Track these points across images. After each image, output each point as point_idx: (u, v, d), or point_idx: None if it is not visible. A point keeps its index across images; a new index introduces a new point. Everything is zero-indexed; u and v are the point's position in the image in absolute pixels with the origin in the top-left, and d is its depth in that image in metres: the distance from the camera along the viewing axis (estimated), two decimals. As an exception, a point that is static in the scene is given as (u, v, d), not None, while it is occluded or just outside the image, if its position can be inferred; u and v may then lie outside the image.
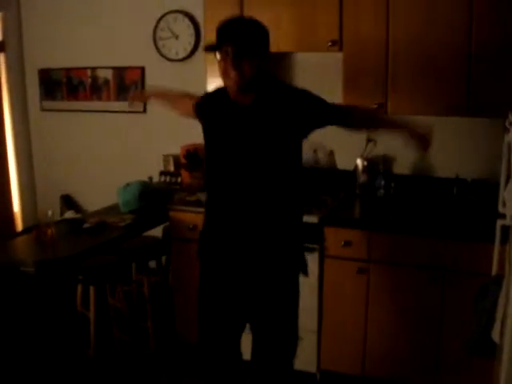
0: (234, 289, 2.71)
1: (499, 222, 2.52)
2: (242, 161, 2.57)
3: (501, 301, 2.27)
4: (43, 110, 5.16)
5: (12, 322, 4.28)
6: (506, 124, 2.48)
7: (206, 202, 2.82)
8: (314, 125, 2.67)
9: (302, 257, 2.78)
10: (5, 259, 3.31)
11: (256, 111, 2.54)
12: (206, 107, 2.78)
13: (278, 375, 2.81)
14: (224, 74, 2.50)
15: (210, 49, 2.51)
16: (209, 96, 2.86)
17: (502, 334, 2.21)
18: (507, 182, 2.47)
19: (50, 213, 3.43)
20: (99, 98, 4.85)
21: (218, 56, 2.48)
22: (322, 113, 2.65)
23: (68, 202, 5.14)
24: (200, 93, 3.01)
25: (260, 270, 2.64)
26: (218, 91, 2.72)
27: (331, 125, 2.74)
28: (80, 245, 3.34)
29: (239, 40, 2.44)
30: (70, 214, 4.34)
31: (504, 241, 2.54)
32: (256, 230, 2.60)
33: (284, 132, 2.54)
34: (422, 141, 2.82)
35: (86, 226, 3.56)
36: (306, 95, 2.64)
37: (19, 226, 5.44)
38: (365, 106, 2.89)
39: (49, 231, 3.30)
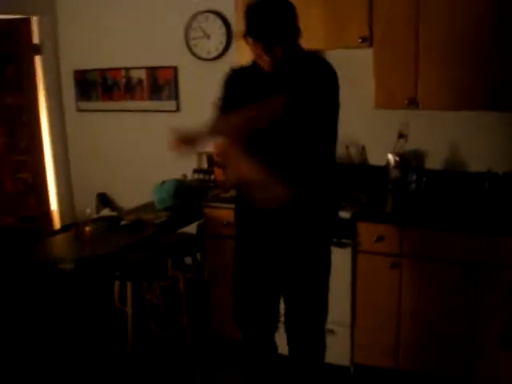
0: (268, 260, 2.78)
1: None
2: (277, 143, 2.60)
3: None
4: (79, 110, 5.27)
5: (51, 319, 4.41)
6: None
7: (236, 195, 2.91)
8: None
9: (332, 230, 2.87)
10: (45, 257, 3.41)
11: (278, 78, 2.57)
12: (238, 81, 2.79)
13: (310, 341, 2.89)
14: (257, 57, 2.56)
15: (244, 36, 2.55)
16: (239, 71, 2.83)
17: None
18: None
19: (88, 211, 3.53)
20: (133, 98, 4.93)
21: (250, 40, 2.54)
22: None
23: (104, 199, 5.24)
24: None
25: (291, 243, 2.71)
26: (248, 67, 2.73)
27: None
28: (117, 242, 3.42)
29: (268, 31, 2.47)
30: (106, 212, 4.47)
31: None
32: (288, 217, 2.66)
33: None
34: None
35: (122, 223, 3.65)
36: (312, 69, 2.62)
37: (57, 223, 5.57)
38: None
39: (87, 229, 3.38)
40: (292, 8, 2.56)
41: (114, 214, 4.24)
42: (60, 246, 3.56)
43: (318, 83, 2.56)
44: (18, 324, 4.42)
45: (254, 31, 2.51)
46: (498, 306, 2.88)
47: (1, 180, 5.35)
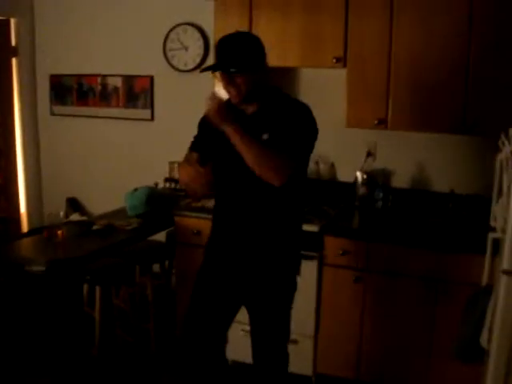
0: (230, 282, 2.85)
1: (490, 235, 2.65)
2: (244, 168, 2.63)
3: (490, 309, 2.41)
4: (53, 114, 5.30)
5: (19, 321, 4.42)
6: (499, 144, 2.62)
7: (213, 207, 2.97)
8: None
9: (298, 260, 2.91)
10: (16, 258, 3.45)
11: (259, 120, 2.67)
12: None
13: (273, 354, 2.96)
14: (225, 89, 2.65)
15: (207, 69, 2.66)
16: None
17: (489, 340, 2.35)
18: (499, 198, 2.62)
19: (61, 214, 3.59)
20: (108, 105, 4.98)
21: (218, 74, 2.68)
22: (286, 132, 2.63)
23: (74, 204, 5.27)
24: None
25: (256, 267, 2.79)
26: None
27: None
28: (89, 246, 3.46)
29: (227, 59, 2.58)
30: (75, 217, 4.49)
31: (495, 253, 2.68)
32: (254, 234, 2.75)
33: None
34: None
35: (94, 227, 3.69)
36: (299, 112, 2.70)
37: (25, 227, 5.57)
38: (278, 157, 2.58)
39: (60, 232, 3.42)
40: (256, 41, 2.68)
41: (85, 218, 4.28)
42: (32, 247, 3.59)
43: (300, 127, 2.66)
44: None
45: (217, 63, 2.64)
46: (456, 320, 3.00)
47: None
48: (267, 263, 2.78)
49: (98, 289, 3.80)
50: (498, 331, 2.25)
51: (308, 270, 3.51)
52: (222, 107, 2.62)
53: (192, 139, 2.95)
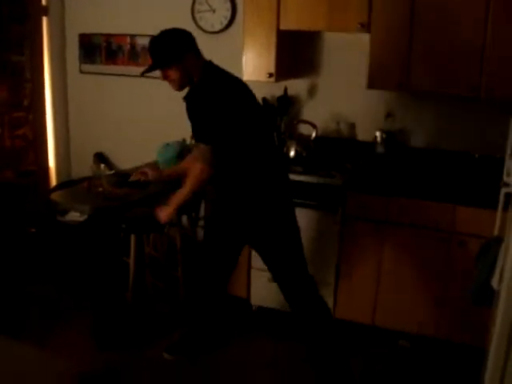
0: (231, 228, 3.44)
1: (503, 190, 2.88)
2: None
3: (501, 254, 2.66)
4: (82, 72, 5.49)
5: (60, 267, 4.73)
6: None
7: None
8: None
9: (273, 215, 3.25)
10: (63, 205, 3.70)
11: (188, 104, 3.17)
12: None
13: (297, 291, 3.32)
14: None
15: (145, 72, 3.21)
16: None
17: (500, 281, 2.61)
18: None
19: (102, 166, 3.81)
20: (137, 64, 5.16)
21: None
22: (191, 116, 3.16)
23: (101, 159, 5.48)
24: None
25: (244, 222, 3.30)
26: None
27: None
28: (127, 196, 3.69)
29: (152, 59, 3.15)
30: (102, 169, 4.72)
31: (506, 207, 2.91)
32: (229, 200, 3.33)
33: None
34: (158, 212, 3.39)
35: (131, 179, 3.91)
36: (202, 97, 3.09)
37: (53, 180, 5.82)
38: (198, 169, 3.16)
39: (102, 182, 3.66)
40: (171, 36, 3.13)
41: (113, 171, 4.51)
42: (74, 197, 3.79)
43: (202, 114, 3.09)
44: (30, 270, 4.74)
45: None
46: (468, 269, 3.26)
47: (1, 135, 5.54)
48: (247, 214, 3.25)
49: (133, 237, 4.06)
50: (508, 272, 2.51)
51: (330, 222, 3.78)
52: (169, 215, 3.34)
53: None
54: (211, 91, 3.06)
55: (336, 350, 3.32)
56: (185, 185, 3.22)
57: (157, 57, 3.12)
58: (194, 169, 3.16)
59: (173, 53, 3.08)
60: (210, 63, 3.22)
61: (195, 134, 3.20)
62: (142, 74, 3.18)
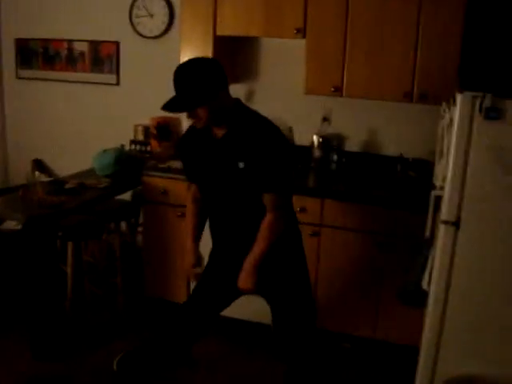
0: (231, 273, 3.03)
1: (433, 193, 2.96)
2: (217, 186, 2.93)
3: (431, 256, 2.74)
4: (19, 77, 5.41)
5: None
6: (441, 111, 2.93)
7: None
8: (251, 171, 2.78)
9: (296, 253, 3.12)
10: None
11: (230, 144, 2.78)
12: (188, 143, 3.04)
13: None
14: (188, 118, 2.78)
15: (165, 109, 2.69)
16: (189, 132, 3.03)
17: (429, 282, 2.69)
18: (441, 159, 2.93)
19: (36, 173, 3.77)
20: (74, 70, 5.13)
21: None
22: (258, 167, 2.74)
23: (40, 166, 5.41)
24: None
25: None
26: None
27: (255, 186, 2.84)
28: (63, 204, 3.65)
29: (181, 95, 2.66)
30: (43, 178, 4.66)
31: (437, 210, 3.00)
32: (239, 241, 2.98)
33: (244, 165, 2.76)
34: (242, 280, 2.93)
35: (67, 186, 3.88)
36: (271, 139, 2.77)
37: (-10, 188, 5.71)
38: (273, 219, 2.84)
39: (37, 190, 3.61)
40: (208, 69, 2.68)
41: (51, 179, 4.45)
42: (8, 205, 3.74)
43: (275, 157, 2.77)
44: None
45: (173, 99, 2.69)
46: (401, 270, 3.33)
47: None
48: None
49: (70, 245, 4.01)
50: (436, 273, 2.58)
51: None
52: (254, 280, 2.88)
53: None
54: (270, 135, 2.78)
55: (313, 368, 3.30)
56: (260, 241, 2.84)
57: (189, 94, 2.64)
58: (268, 221, 2.83)
59: (208, 90, 2.65)
60: (239, 101, 2.88)
61: (251, 181, 2.80)
62: (164, 109, 2.68)
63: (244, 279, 2.88)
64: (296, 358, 3.20)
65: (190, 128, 2.99)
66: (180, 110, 2.79)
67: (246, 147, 2.73)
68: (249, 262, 2.86)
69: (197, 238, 3.14)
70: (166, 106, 2.67)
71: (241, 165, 2.75)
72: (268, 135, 2.77)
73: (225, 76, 2.73)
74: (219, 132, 2.81)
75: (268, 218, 2.82)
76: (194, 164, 3.00)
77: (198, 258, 3.14)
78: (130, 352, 3.50)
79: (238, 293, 3.04)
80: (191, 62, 2.70)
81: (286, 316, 3.10)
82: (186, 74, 2.66)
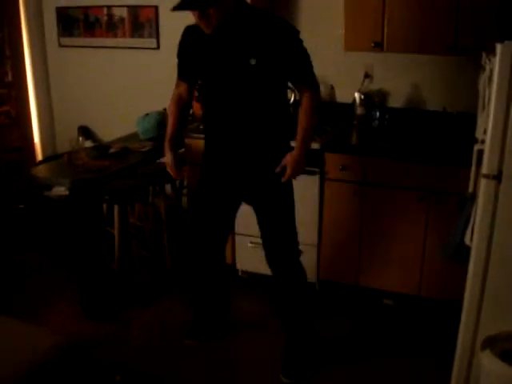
0: (228, 184, 3.15)
1: (476, 147, 2.90)
2: (224, 86, 2.91)
3: (473, 211, 2.70)
4: (61, 45, 5.47)
5: (46, 239, 4.78)
6: (482, 62, 2.85)
7: (204, 124, 3.23)
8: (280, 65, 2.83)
9: None
10: (42, 180, 3.74)
11: (240, 41, 2.78)
12: (189, 42, 3.01)
13: (286, 259, 3.24)
14: (197, 22, 2.73)
15: (176, 9, 2.62)
16: (192, 31, 2.96)
17: (471, 237, 2.65)
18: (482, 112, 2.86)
19: (80, 139, 3.83)
20: (115, 35, 5.16)
21: None
22: (278, 60, 2.79)
23: (85, 132, 5.50)
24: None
25: (252, 169, 3.06)
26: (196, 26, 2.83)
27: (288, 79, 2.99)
28: (107, 168, 3.71)
29: None
30: (88, 144, 4.74)
31: (479, 163, 2.93)
32: (247, 143, 3.00)
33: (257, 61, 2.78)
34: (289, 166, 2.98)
35: (111, 151, 3.94)
36: (286, 32, 2.80)
37: (39, 155, 5.83)
38: (312, 105, 2.95)
39: (81, 155, 3.68)
40: None
41: (96, 144, 4.52)
42: (54, 171, 3.83)
43: (296, 49, 2.85)
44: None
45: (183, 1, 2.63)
46: (446, 227, 3.30)
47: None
48: (261, 165, 3.03)
49: (116, 208, 4.10)
50: (478, 228, 2.54)
51: (310, 185, 3.81)
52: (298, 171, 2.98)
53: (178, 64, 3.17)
54: (287, 25, 2.82)
55: (306, 312, 3.39)
56: (303, 121, 2.93)
57: None
58: (307, 99, 2.92)
59: None
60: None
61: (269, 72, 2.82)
62: (176, 9, 2.61)
63: (297, 163, 2.95)
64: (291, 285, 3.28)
65: (189, 28, 2.99)
66: (194, 8, 2.66)
67: (259, 41, 2.75)
68: (299, 148, 2.95)
69: (175, 138, 3.22)
70: (179, 6, 2.61)
71: (252, 61, 2.76)
72: (282, 29, 2.79)
73: None
74: (225, 31, 2.77)
75: (306, 97, 2.92)
76: (197, 64, 2.98)
77: (179, 159, 3.23)
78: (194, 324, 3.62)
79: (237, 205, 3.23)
80: None
81: (273, 228, 3.15)
82: None
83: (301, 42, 2.88)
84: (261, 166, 3.04)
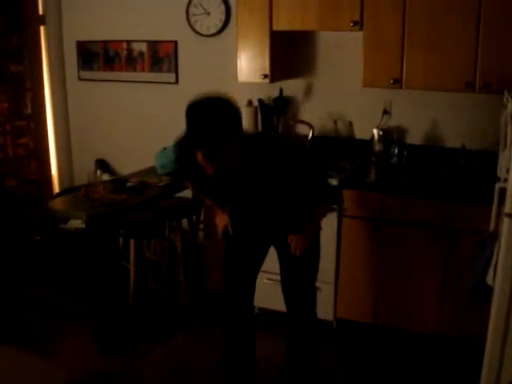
0: (258, 234, 3.18)
1: (497, 185, 2.87)
2: (248, 207, 3.04)
3: (495, 250, 2.65)
4: (80, 79, 5.52)
5: (61, 274, 4.77)
6: (504, 100, 2.83)
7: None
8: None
9: None
10: (59, 212, 3.74)
11: (253, 177, 2.82)
12: (195, 171, 2.86)
13: (304, 299, 3.26)
14: (201, 163, 2.63)
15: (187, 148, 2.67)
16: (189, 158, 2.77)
17: (494, 277, 2.60)
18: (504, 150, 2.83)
19: (98, 172, 3.83)
20: (134, 69, 5.19)
21: None
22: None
23: (103, 165, 5.51)
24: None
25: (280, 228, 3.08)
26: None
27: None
28: (124, 202, 3.70)
29: (206, 144, 2.51)
30: (106, 177, 4.74)
31: (501, 202, 2.90)
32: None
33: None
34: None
35: (128, 184, 3.94)
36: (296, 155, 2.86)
37: (56, 188, 5.85)
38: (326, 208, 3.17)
39: (99, 189, 3.67)
40: (233, 114, 2.56)
41: (113, 177, 4.53)
42: (72, 204, 3.83)
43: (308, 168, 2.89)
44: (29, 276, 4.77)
45: (192, 142, 2.57)
46: (466, 265, 3.25)
47: (4, 144, 5.57)
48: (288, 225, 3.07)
49: (132, 242, 4.08)
50: (501, 268, 2.50)
51: (329, 222, 3.75)
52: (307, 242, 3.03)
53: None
54: (295, 151, 2.94)
55: (317, 352, 3.37)
56: (317, 211, 3.05)
57: (218, 140, 2.51)
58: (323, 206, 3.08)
59: (236, 127, 2.58)
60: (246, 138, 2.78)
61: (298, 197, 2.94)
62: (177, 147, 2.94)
63: (304, 240, 3.00)
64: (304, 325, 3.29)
65: (187, 151, 2.76)
66: (205, 149, 2.55)
67: (274, 173, 2.75)
68: (309, 230, 3.01)
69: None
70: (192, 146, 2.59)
71: (270, 191, 2.84)
72: (289, 156, 2.80)
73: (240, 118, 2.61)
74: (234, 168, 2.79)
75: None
76: (212, 189, 3.07)
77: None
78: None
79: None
80: (213, 103, 2.57)
81: (294, 270, 3.17)
82: (214, 116, 2.52)
83: (313, 163, 2.99)
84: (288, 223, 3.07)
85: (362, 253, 3.85)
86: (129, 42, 5.17)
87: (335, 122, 4.43)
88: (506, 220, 2.49)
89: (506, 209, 2.49)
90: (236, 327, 3.40)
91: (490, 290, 2.77)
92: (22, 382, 2.54)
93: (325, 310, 3.92)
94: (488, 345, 2.63)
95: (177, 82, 5.06)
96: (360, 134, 4.41)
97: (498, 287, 2.54)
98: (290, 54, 4.48)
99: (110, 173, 5.39)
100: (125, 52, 5.21)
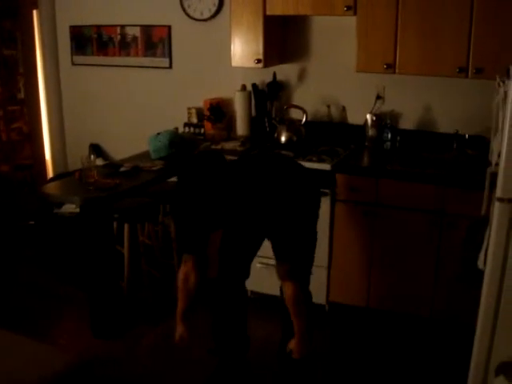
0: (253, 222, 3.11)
1: (489, 170, 2.88)
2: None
3: (486, 234, 2.68)
4: (74, 64, 5.50)
5: (55, 257, 4.78)
6: (496, 85, 2.84)
7: None
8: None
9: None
10: (53, 197, 3.74)
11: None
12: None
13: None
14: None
15: None
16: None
17: (485, 261, 2.63)
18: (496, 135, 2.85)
19: (92, 157, 3.83)
20: (127, 54, 5.18)
21: None
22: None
23: (97, 150, 5.51)
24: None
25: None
26: None
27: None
28: (118, 186, 3.70)
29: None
30: (99, 162, 4.74)
31: (492, 186, 2.92)
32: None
33: None
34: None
35: (122, 169, 3.94)
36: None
37: (50, 172, 5.85)
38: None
39: (93, 173, 3.67)
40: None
41: (107, 162, 4.53)
42: (66, 188, 3.83)
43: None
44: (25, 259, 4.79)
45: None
46: (457, 249, 3.27)
47: (-3, 129, 5.57)
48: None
49: (126, 226, 4.09)
50: (491, 252, 2.52)
51: (322, 206, 3.77)
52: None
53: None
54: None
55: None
56: (297, 318, 2.92)
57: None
58: (291, 293, 2.87)
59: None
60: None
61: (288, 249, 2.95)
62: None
63: (301, 347, 2.96)
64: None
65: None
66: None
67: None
68: (302, 336, 2.94)
69: (187, 311, 3.16)
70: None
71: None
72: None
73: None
74: None
75: (289, 290, 2.86)
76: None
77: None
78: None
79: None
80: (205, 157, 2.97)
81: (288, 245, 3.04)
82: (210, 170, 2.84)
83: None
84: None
85: (355, 237, 3.87)
86: (122, 26, 5.15)
87: (328, 106, 4.44)
88: (497, 204, 2.50)
89: (498, 193, 2.51)
90: (227, 305, 3.43)
91: (482, 274, 2.80)
92: (16, 364, 2.56)
93: (317, 293, 3.92)
94: (478, 328, 2.66)
95: (170, 66, 5.04)
96: (353, 118, 4.42)
97: (489, 271, 2.56)
98: (283, 38, 4.48)
99: (104, 157, 5.39)
100: (118, 37, 5.19)
